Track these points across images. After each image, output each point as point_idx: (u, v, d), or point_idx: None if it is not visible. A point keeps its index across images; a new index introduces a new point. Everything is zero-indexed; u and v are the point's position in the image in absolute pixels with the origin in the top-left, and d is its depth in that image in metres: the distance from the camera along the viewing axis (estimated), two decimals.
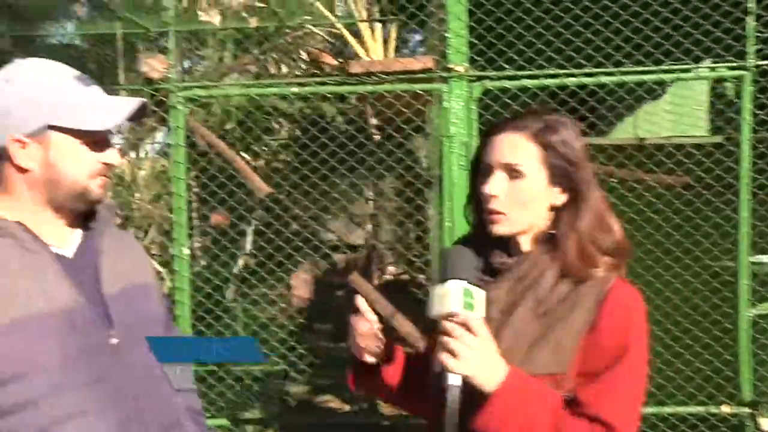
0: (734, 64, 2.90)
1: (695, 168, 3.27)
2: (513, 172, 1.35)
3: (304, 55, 7.22)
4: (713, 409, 2.97)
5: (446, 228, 3.01)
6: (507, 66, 3.15)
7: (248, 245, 7.31)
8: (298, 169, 4.48)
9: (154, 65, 2.96)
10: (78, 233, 1.38)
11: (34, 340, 1.21)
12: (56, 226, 1.34)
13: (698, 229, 3.07)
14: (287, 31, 6.40)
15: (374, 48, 6.26)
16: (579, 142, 1.38)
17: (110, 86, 4.06)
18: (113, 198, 7.02)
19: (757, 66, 2.90)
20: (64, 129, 1.28)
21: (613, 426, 1.24)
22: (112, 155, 1.36)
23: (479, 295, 1.24)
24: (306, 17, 5.53)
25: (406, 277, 9.50)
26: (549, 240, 1.37)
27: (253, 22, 5.44)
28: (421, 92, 3.08)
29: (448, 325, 1.21)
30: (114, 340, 1.30)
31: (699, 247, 3.10)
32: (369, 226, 9.62)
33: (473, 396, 1.23)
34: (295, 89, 3.03)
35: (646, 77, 3.05)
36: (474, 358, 1.20)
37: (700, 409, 3.01)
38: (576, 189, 1.36)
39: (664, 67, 2.94)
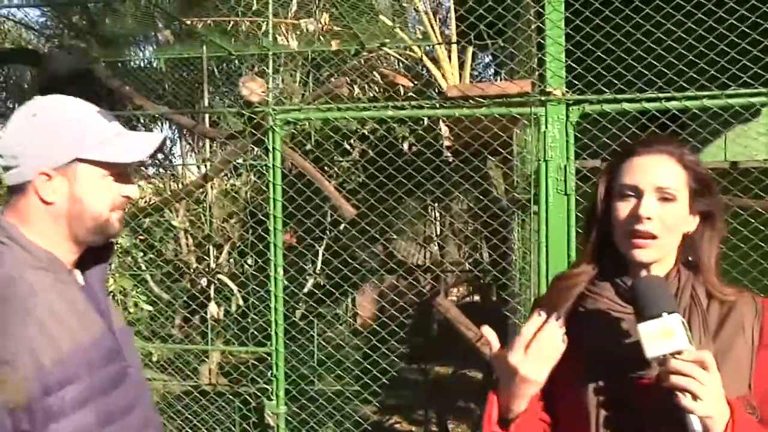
0: None
1: None
2: (666, 196, 1.31)
3: (377, 77, 7.25)
4: None
5: (542, 252, 2.92)
6: (606, 90, 3.06)
7: (318, 264, 7.34)
8: (370, 189, 4.46)
9: (252, 88, 2.96)
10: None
11: (86, 370, 1.22)
12: (72, 258, 1.34)
13: None
14: (364, 54, 6.44)
15: (450, 71, 6.24)
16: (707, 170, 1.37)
17: (205, 108, 4.11)
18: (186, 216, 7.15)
19: None
20: (91, 161, 1.28)
21: None
22: (132, 189, 1.37)
23: (686, 327, 1.18)
24: (385, 40, 5.53)
25: (470, 299, 9.41)
26: (683, 265, 1.36)
27: (334, 45, 5.48)
28: (517, 116, 3.00)
29: (680, 363, 1.14)
30: (131, 370, 1.34)
31: None
32: (435, 247, 9.55)
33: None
34: (391, 113, 2.98)
35: (750, 100, 2.91)
36: (711, 397, 1.13)
37: None
38: (710, 212, 1.35)
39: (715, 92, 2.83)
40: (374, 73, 6.64)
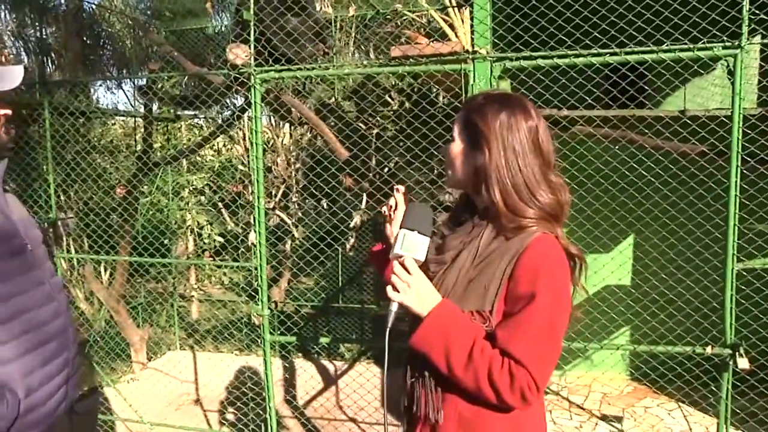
0: (728, 44, 2.96)
1: (709, 137, 3.35)
2: (449, 139, 1.59)
3: (403, 41, 7.57)
4: (699, 350, 3.11)
5: None
6: (542, 48, 3.35)
7: (363, 204, 7.92)
8: (404, 138, 4.92)
9: (237, 53, 3.47)
10: None
11: None
12: None
13: (693, 192, 3.17)
14: (389, 19, 6.79)
15: (464, 32, 6.50)
16: (501, 117, 1.48)
17: (200, 71, 4.67)
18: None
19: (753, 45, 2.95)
20: None
21: (519, 359, 1.36)
22: (5, 110, 1.87)
23: (423, 242, 1.47)
24: (398, 5, 5.89)
25: None
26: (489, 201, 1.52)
27: (352, 11, 5.89)
28: (450, 72, 3.39)
29: (394, 264, 1.48)
30: (29, 246, 1.89)
31: (692, 208, 3.20)
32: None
33: (414, 320, 1.47)
34: (347, 70, 3.44)
35: (650, 56, 3.15)
36: (409, 291, 1.44)
37: (688, 349, 3.16)
38: (486, 154, 1.48)
39: (664, 47, 3.04)
40: (399, 38, 6.96)
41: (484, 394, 1.40)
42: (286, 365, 6.11)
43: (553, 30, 3.60)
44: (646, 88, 4.43)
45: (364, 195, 8.39)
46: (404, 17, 7.01)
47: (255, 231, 3.56)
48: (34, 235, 1.94)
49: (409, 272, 1.45)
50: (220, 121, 6.16)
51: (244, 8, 3.52)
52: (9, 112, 1.89)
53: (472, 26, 3.47)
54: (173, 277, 7.48)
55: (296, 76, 3.49)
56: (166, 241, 7.58)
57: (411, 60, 3.45)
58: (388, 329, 1.47)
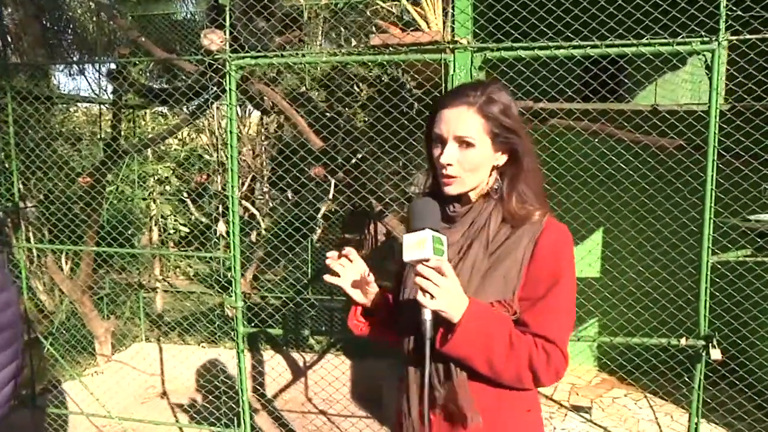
0: (706, 38, 2.95)
1: (686, 131, 3.34)
2: (465, 141, 1.46)
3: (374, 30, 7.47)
4: (674, 341, 3.11)
5: None
6: (522, 38, 3.30)
7: (331, 193, 7.81)
8: (373, 127, 4.81)
9: (212, 39, 3.34)
10: None
11: None
12: None
13: (670, 185, 3.16)
14: (361, 8, 6.68)
15: (435, 21, 6.43)
16: (515, 109, 1.49)
17: (171, 56, 4.51)
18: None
19: (728, 41, 2.95)
20: None
21: (551, 339, 1.40)
22: None
23: (444, 240, 1.38)
24: None
25: None
26: (493, 192, 1.52)
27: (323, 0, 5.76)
28: (431, 61, 3.31)
29: (423, 269, 1.33)
30: None
31: (669, 201, 3.19)
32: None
33: (445, 327, 1.39)
34: (325, 58, 3.34)
35: (630, 50, 3.13)
36: (444, 296, 1.32)
37: (663, 341, 3.17)
38: (514, 151, 1.49)
39: (643, 41, 3.02)
40: (372, 26, 6.87)
41: (522, 380, 1.42)
42: (256, 357, 5.99)
43: (534, 21, 3.55)
44: (626, 81, 4.42)
45: (332, 184, 8.30)
46: (374, 6, 6.93)
47: (229, 221, 3.44)
48: None
49: (444, 275, 1.33)
50: (187, 111, 5.98)
51: None
52: None
53: (450, 16, 3.39)
54: (137, 268, 7.28)
55: (273, 62, 3.37)
56: (129, 232, 7.36)
57: (390, 49, 3.36)
58: (427, 340, 1.34)
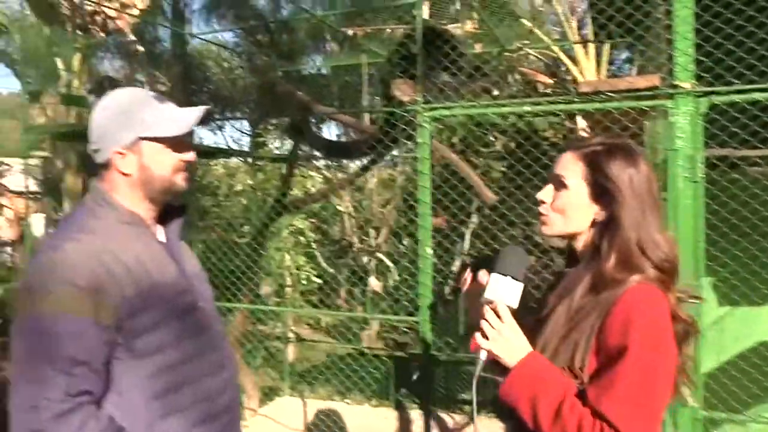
0: None
1: None
2: (559, 182, 1.44)
3: (518, 77, 7.22)
4: None
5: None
6: (736, 81, 2.92)
7: (466, 245, 7.48)
8: (511, 179, 4.49)
9: (404, 89, 3.14)
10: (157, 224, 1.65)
11: (159, 301, 1.47)
12: (151, 215, 1.59)
13: None
14: (505, 54, 6.44)
15: (588, 68, 6.10)
16: (629, 172, 1.38)
17: (358, 108, 4.37)
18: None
19: None
20: (150, 138, 1.52)
21: (611, 421, 1.24)
22: (190, 154, 1.58)
23: (516, 288, 1.37)
24: (524, 42, 5.51)
25: None
26: (594, 252, 1.42)
27: (478, 48, 5.56)
28: (646, 108, 2.96)
29: (486, 310, 1.37)
30: (201, 304, 1.59)
31: None
32: None
33: (501, 372, 1.37)
34: (528, 108, 3.05)
35: None
36: (498, 340, 1.35)
37: None
38: (613, 210, 1.39)
39: None
40: (515, 73, 6.62)
41: None
42: (403, 416, 5.66)
43: (753, 61, 3.13)
44: None
45: (467, 236, 7.96)
46: (522, 52, 6.67)
47: (420, 282, 3.18)
48: (205, 292, 1.67)
49: (501, 319, 1.35)
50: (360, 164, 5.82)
51: (410, 42, 3.20)
52: (193, 157, 1.60)
53: (672, 58, 3.01)
54: (271, 320, 7.20)
55: (470, 114, 3.11)
56: (252, 282, 7.32)
57: (601, 96, 3.02)
58: (476, 378, 1.36)
